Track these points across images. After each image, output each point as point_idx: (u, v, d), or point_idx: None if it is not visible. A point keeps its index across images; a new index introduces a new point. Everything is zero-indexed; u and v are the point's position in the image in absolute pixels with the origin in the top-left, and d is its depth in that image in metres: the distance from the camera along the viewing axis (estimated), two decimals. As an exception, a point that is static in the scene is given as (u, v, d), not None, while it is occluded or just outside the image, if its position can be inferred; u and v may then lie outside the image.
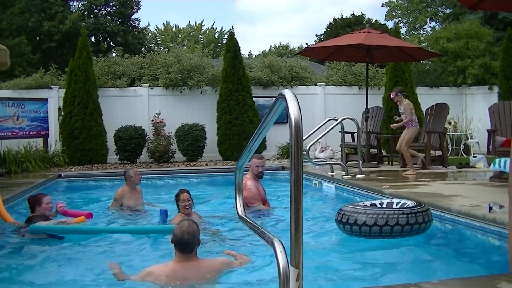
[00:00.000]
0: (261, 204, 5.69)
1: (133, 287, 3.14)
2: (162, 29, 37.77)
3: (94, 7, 26.58)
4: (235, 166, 2.55)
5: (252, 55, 38.06)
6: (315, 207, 6.24)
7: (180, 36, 37.54)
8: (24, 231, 4.58)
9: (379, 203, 4.37)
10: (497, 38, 16.89)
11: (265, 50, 39.30)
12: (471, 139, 12.06)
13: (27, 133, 10.81)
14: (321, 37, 31.81)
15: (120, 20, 27.01)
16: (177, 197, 4.89)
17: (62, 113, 11.17)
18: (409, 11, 29.38)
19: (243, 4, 65.15)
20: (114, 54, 24.47)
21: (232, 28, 24.54)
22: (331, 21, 31.37)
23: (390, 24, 28.95)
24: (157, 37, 37.34)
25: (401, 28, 26.40)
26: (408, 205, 4.17)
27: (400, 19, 30.03)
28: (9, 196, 5.84)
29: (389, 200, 4.46)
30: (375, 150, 10.05)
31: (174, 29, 37.92)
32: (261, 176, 5.74)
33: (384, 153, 10.37)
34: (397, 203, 4.32)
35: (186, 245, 3.04)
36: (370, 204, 4.33)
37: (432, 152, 9.00)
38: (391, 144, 9.90)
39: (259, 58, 17.76)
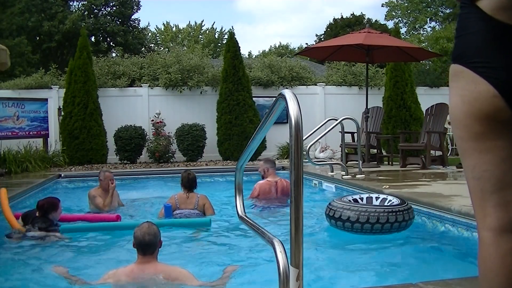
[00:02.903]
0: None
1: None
2: (162, 29, 37.78)
3: (94, 7, 26.58)
4: (235, 166, 2.55)
5: (252, 55, 38.12)
6: (315, 207, 6.24)
7: (180, 36, 37.55)
8: (22, 234, 4.49)
9: (359, 198, 4.50)
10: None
11: (265, 50, 39.38)
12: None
13: (27, 133, 10.80)
14: (321, 37, 31.83)
15: (120, 20, 27.01)
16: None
17: (62, 113, 11.17)
18: (409, 11, 29.41)
19: (243, 4, 65.25)
20: (114, 54, 24.46)
21: (232, 28, 24.49)
22: (331, 21, 31.43)
23: (390, 24, 28.99)
24: (157, 37, 37.36)
25: (401, 28, 26.43)
26: (392, 201, 4.28)
27: (400, 19, 30.06)
28: (8, 196, 5.84)
29: (368, 195, 4.59)
30: (375, 150, 10.05)
31: (174, 29, 37.93)
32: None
33: (384, 153, 10.37)
34: (377, 198, 4.45)
35: (147, 246, 3.07)
36: (353, 199, 4.43)
37: (432, 152, 9.00)
38: (391, 144, 9.91)
39: (259, 58, 17.73)
